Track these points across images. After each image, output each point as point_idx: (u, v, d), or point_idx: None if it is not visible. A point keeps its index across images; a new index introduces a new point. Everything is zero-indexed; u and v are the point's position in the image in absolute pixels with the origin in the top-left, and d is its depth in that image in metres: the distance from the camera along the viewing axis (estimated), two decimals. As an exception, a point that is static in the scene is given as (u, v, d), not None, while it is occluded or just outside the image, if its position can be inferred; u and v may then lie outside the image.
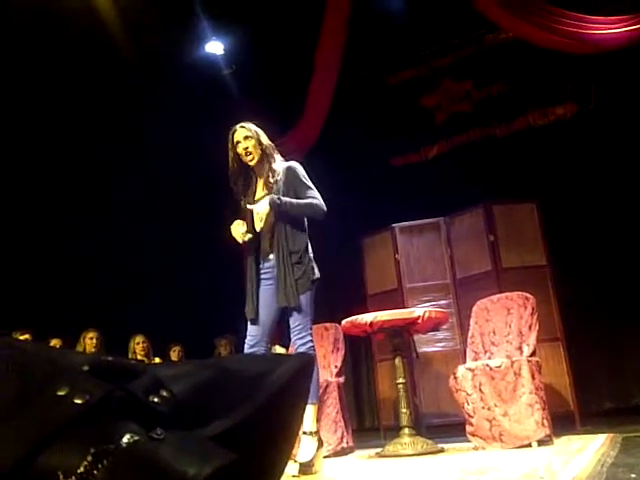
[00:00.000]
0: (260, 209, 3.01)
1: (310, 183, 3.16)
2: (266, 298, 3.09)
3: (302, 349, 2.95)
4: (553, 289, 4.71)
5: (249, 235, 3.03)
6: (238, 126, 3.16)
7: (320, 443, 3.09)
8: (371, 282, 5.51)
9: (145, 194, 6.08)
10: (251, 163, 3.13)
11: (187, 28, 5.74)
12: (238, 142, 3.12)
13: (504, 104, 5.92)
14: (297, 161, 3.27)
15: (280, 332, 3.83)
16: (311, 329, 3.05)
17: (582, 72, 5.50)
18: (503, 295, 4.31)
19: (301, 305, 2.98)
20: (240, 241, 3.05)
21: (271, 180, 3.11)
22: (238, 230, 3.03)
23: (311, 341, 3.01)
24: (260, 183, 3.18)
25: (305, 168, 3.25)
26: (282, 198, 3.00)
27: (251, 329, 3.07)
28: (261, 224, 3.01)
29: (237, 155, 3.13)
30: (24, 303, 5.34)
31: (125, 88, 5.70)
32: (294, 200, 3.04)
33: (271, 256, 3.10)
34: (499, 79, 5.98)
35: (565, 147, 5.46)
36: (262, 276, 3.13)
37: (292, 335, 3.02)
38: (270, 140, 3.24)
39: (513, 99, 5.87)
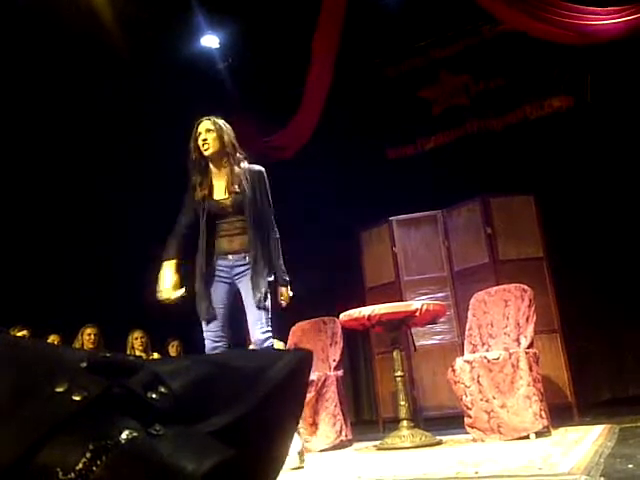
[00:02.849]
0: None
1: (269, 196, 3.25)
2: (223, 295, 3.14)
3: (266, 344, 3.03)
4: (550, 281, 4.72)
5: (181, 290, 3.07)
6: (204, 118, 3.18)
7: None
8: (369, 275, 5.51)
9: (140, 188, 6.06)
10: (206, 153, 3.13)
11: (182, 22, 5.71)
12: (200, 133, 3.14)
13: (501, 96, 5.91)
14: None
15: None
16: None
17: (578, 64, 5.49)
18: (500, 287, 4.32)
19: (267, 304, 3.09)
20: (172, 299, 3.08)
21: (235, 187, 3.12)
22: (169, 291, 3.07)
23: (272, 336, 3.10)
24: (220, 183, 3.18)
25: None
26: (285, 278, 3.24)
27: (211, 327, 3.10)
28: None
29: (197, 146, 3.14)
30: (22, 300, 5.33)
31: (120, 82, 5.67)
32: (276, 263, 3.20)
33: (230, 256, 3.13)
34: (496, 71, 5.97)
35: (562, 139, 5.45)
36: (217, 274, 3.15)
37: (253, 329, 3.07)
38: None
39: (510, 91, 5.86)
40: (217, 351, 3.04)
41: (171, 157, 6.00)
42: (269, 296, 3.08)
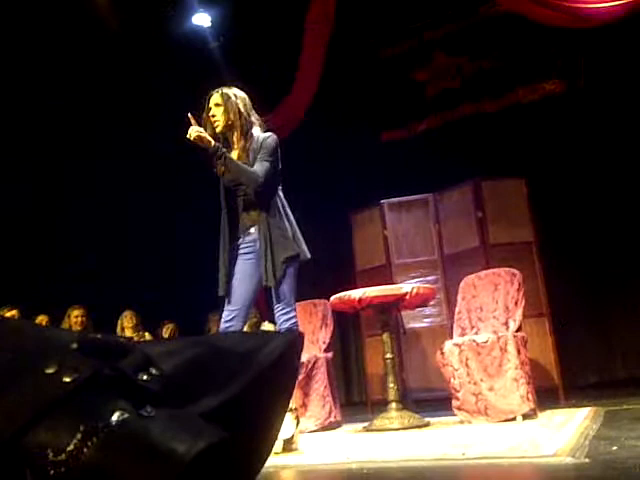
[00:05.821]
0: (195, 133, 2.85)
1: (269, 156, 3.00)
2: (244, 272, 3.02)
3: (286, 325, 2.91)
4: (540, 265, 4.75)
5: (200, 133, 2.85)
6: (214, 91, 3.06)
7: (297, 420, 3.13)
8: (360, 258, 5.52)
9: (130, 168, 6.01)
10: (216, 130, 3.02)
11: (173, 0, 5.63)
12: (210, 108, 3.04)
13: (494, 79, 5.89)
14: (279, 137, 3.16)
15: (268, 308, 3.82)
16: (294, 305, 2.99)
17: (572, 47, 5.47)
18: (490, 271, 4.34)
19: (284, 282, 2.91)
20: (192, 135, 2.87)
21: (244, 157, 3.01)
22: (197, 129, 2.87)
23: (295, 317, 2.97)
24: (234, 154, 3.05)
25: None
26: (227, 155, 2.89)
27: (228, 306, 2.99)
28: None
29: (209, 122, 3.04)
30: (10, 279, 5.29)
31: (111, 63, 5.60)
32: (235, 161, 2.92)
33: (252, 230, 3.02)
34: (490, 53, 5.93)
35: (554, 123, 5.45)
36: (240, 251, 3.04)
37: (276, 311, 2.96)
38: (258, 113, 3.15)
39: (503, 74, 5.84)
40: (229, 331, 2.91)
41: (161, 138, 5.97)
42: (282, 270, 2.86)
